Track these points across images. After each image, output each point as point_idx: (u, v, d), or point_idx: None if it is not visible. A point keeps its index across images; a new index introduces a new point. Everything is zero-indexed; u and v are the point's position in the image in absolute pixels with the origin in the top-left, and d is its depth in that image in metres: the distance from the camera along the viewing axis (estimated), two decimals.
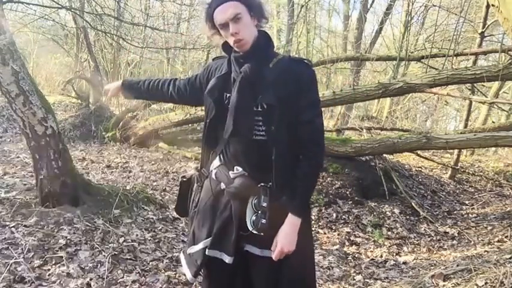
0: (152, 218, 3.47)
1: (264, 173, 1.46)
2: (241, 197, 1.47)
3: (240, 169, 1.51)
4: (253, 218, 1.44)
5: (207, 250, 1.53)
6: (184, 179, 1.76)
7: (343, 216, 4.42)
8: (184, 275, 2.71)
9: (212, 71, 1.63)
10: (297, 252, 1.48)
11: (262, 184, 1.45)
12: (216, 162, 1.60)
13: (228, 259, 1.50)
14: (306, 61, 1.51)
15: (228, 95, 1.51)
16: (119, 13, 8.99)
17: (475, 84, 5.89)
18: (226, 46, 1.53)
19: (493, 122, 7.94)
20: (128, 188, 3.75)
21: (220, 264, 1.53)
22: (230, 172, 1.53)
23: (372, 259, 3.64)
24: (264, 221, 1.41)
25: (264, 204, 1.42)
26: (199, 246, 1.58)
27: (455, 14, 7.33)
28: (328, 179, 4.92)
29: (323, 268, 3.30)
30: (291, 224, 1.46)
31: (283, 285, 1.52)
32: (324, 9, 13.55)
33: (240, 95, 1.46)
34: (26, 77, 2.93)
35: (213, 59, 1.69)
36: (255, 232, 1.43)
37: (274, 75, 1.45)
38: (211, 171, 1.62)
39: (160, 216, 3.53)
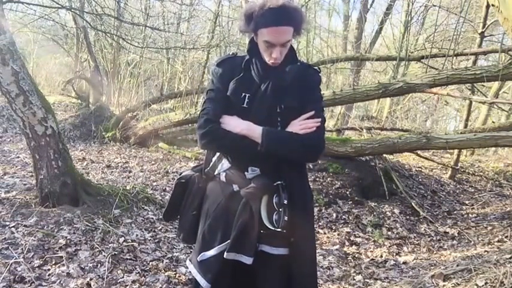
0: (152, 218, 3.47)
1: (277, 171, 1.51)
2: (258, 196, 1.50)
3: (257, 169, 1.52)
4: (275, 216, 1.47)
5: (225, 253, 1.49)
6: (183, 181, 1.70)
7: (343, 216, 4.42)
8: (184, 275, 2.73)
9: (229, 75, 1.55)
10: (305, 250, 1.55)
11: (279, 182, 1.49)
12: (225, 164, 1.57)
13: (248, 260, 1.49)
14: (314, 67, 1.64)
15: (246, 95, 1.52)
16: (119, 13, 8.99)
17: (475, 84, 5.88)
18: (252, 45, 1.54)
19: (493, 122, 7.92)
20: (128, 188, 3.75)
21: (228, 267, 1.52)
22: (245, 173, 1.53)
23: (372, 259, 3.63)
24: (286, 217, 1.46)
25: (285, 202, 1.47)
26: (212, 252, 1.54)
27: (455, 14, 7.33)
28: (328, 179, 4.92)
29: (323, 268, 3.30)
30: None
31: (295, 282, 1.54)
32: (324, 9, 13.56)
33: (269, 98, 1.51)
34: (26, 77, 2.93)
35: (218, 65, 1.58)
36: (278, 230, 1.46)
37: (290, 79, 1.53)
38: (220, 173, 1.58)
39: (160, 216, 3.53)
